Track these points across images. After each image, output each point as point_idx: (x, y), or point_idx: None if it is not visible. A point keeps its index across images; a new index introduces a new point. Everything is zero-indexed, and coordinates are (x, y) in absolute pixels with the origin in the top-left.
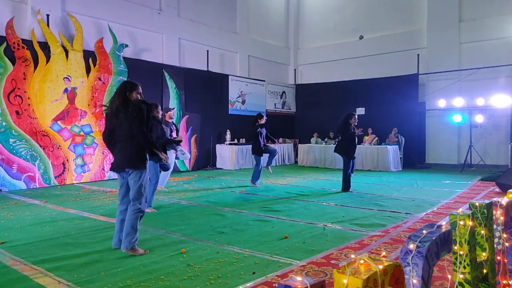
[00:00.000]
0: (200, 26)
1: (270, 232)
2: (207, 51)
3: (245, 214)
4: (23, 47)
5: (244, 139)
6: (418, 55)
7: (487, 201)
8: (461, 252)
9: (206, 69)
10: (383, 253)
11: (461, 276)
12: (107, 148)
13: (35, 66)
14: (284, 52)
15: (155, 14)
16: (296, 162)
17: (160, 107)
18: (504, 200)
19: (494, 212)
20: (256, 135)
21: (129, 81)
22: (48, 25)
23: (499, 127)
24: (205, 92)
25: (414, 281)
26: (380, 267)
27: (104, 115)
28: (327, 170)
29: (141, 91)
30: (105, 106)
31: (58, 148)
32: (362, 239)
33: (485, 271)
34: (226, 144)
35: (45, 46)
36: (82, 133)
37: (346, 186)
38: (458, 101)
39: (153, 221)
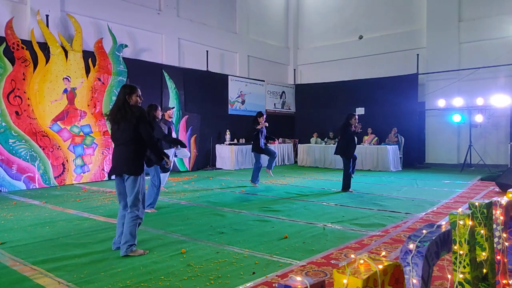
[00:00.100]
0: (200, 26)
1: (270, 232)
2: (207, 51)
3: (245, 214)
4: (22, 48)
5: (243, 139)
6: (417, 55)
7: (487, 201)
8: (461, 252)
9: (205, 69)
10: (383, 253)
11: (461, 275)
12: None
13: (35, 67)
14: (284, 52)
15: (155, 14)
16: (296, 162)
17: (160, 108)
18: (504, 200)
19: (494, 211)
20: (256, 134)
21: (128, 85)
22: (47, 25)
23: (498, 126)
24: (204, 92)
25: (414, 281)
26: (380, 267)
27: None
28: (327, 170)
29: (140, 93)
30: (106, 115)
31: (58, 149)
32: (362, 239)
33: (485, 270)
34: (226, 144)
35: (44, 47)
36: (81, 133)
37: (346, 186)
38: (458, 101)
39: (153, 221)
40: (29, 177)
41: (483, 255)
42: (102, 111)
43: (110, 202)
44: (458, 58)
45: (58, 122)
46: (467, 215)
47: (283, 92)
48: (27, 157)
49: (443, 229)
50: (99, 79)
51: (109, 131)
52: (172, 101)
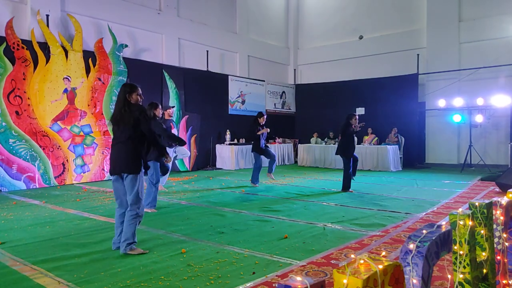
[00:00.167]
0: (200, 26)
1: (270, 232)
2: (207, 51)
3: (245, 214)
4: (22, 48)
5: (244, 139)
6: (418, 55)
7: (487, 201)
8: (461, 252)
9: (206, 69)
10: (383, 253)
11: (461, 276)
12: None
13: (35, 67)
14: (284, 52)
15: (155, 14)
16: (296, 162)
17: (160, 106)
18: (504, 200)
19: (494, 212)
20: (253, 130)
21: (128, 84)
22: (47, 25)
23: (499, 127)
24: (205, 92)
25: (414, 281)
26: (380, 267)
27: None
28: (327, 170)
29: (140, 92)
30: (110, 119)
31: (58, 149)
32: (362, 239)
33: (485, 271)
34: (226, 144)
35: (44, 47)
36: (82, 133)
37: (346, 186)
38: (458, 101)
39: (153, 221)
40: (29, 177)
41: (483, 255)
42: (102, 111)
43: (110, 202)
44: (458, 58)
45: (58, 122)
46: (467, 215)
47: (283, 92)
48: (27, 157)
49: (443, 229)
50: (99, 79)
51: (110, 133)
52: (172, 101)
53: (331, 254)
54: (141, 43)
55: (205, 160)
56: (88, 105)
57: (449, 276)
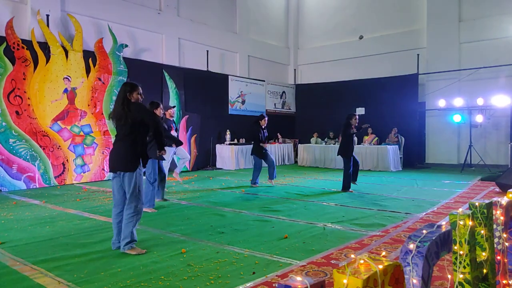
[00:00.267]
0: (200, 26)
1: (270, 232)
2: (207, 51)
3: (245, 214)
4: (23, 47)
5: (244, 139)
6: (418, 55)
7: (487, 201)
8: (461, 252)
9: (206, 69)
10: (383, 253)
11: (461, 276)
12: None
13: (35, 66)
14: (284, 52)
15: (155, 14)
16: (296, 162)
17: (161, 106)
18: (504, 200)
19: (494, 212)
20: (257, 136)
21: (129, 82)
22: (48, 25)
23: (499, 127)
24: (205, 92)
25: (414, 281)
26: (380, 267)
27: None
28: (327, 170)
29: (141, 91)
30: (109, 115)
31: (58, 148)
32: (362, 239)
33: (485, 271)
34: (226, 144)
35: (45, 46)
36: (82, 133)
37: (346, 186)
38: (458, 101)
39: (153, 221)
40: (29, 177)
41: (483, 255)
42: (102, 111)
43: (110, 202)
44: (458, 58)
45: (59, 122)
46: (467, 215)
47: (283, 92)
48: (27, 157)
49: (443, 229)
50: (100, 79)
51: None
52: (173, 101)
53: (331, 254)
54: (141, 43)
55: (205, 160)
56: (88, 105)
57: (449, 276)
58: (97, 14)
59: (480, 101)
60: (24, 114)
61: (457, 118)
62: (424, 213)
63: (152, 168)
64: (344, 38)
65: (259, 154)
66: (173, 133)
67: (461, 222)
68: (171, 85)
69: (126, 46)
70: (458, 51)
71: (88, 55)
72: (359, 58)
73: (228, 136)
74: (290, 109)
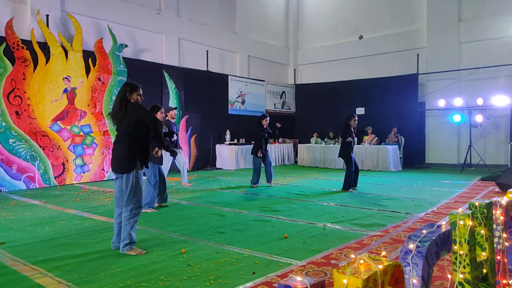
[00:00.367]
0: (200, 26)
1: (270, 232)
2: (207, 51)
3: (245, 214)
4: (22, 48)
5: (244, 139)
6: (417, 55)
7: (487, 201)
8: (461, 252)
9: (206, 69)
10: (383, 253)
11: (461, 276)
12: None
13: (35, 66)
14: (284, 52)
15: (155, 14)
16: (296, 162)
17: (162, 110)
18: (504, 200)
19: (494, 212)
20: (258, 136)
21: (129, 83)
22: (47, 25)
23: (498, 126)
24: (205, 92)
25: (414, 281)
26: (380, 267)
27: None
28: (327, 170)
29: (141, 92)
30: (108, 114)
31: (58, 148)
32: (362, 239)
33: (485, 270)
34: (226, 144)
35: (44, 47)
36: (81, 133)
37: (346, 186)
38: (458, 101)
39: (153, 221)
40: (29, 177)
41: (483, 255)
42: (102, 111)
43: (110, 202)
44: (458, 58)
45: (58, 122)
46: (467, 215)
47: (283, 92)
48: (27, 157)
49: (443, 229)
50: (99, 79)
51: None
52: (172, 101)
53: (331, 254)
54: (141, 43)
55: (205, 160)
56: (88, 105)
57: (449, 276)
58: (97, 14)
59: (480, 101)
60: (24, 114)
61: (457, 118)
62: (424, 213)
63: (152, 171)
64: (344, 38)
65: (258, 153)
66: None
67: (461, 222)
68: (171, 85)
69: (126, 46)
70: (458, 51)
71: (88, 55)
72: (359, 58)
73: (228, 136)
74: (290, 109)
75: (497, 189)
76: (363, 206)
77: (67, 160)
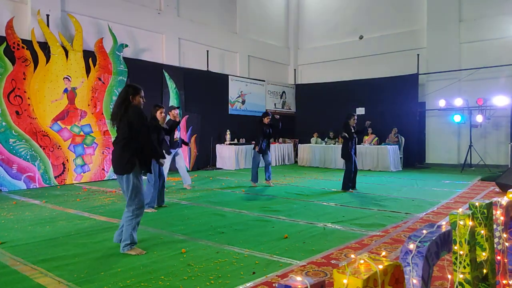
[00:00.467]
0: (200, 26)
1: (270, 232)
2: (207, 51)
3: (245, 214)
4: (23, 47)
5: (244, 139)
6: (418, 55)
7: (487, 201)
8: (461, 252)
9: (206, 69)
10: (383, 253)
11: (461, 276)
12: None
13: (35, 66)
14: (284, 52)
15: (155, 14)
16: (296, 162)
17: (162, 109)
18: (504, 200)
19: (494, 212)
20: (258, 131)
21: (132, 85)
22: (48, 25)
23: (499, 127)
24: (205, 92)
25: (414, 281)
26: (380, 267)
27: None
28: (327, 170)
29: (143, 95)
30: (110, 116)
31: (58, 148)
32: (362, 239)
33: (485, 271)
34: (226, 144)
35: (45, 46)
36: (82, 133)
37: (345, 185)
38: (458, 101)
39: (153, 221)
40: (30, 177)
41: (483, 255)
42: (102, 111)
43: (110, 202)
44: (458, 58)
45: (59, 122)
46: (468, 215)
47: (283, 92)
48: (28, 157)
49: (443, 229)
50: (100, 79)
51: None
52: (173, 101)
53: (331, 254)
54: (141, 43)
55: (205, 160)
56: (88, 105)
57: (449, 276)
58: (97, 14)
59: (480, 101)
60: (24, 114)
61: (457, 118)
62: (424, 213)
63: (152, 171)
64: (344, 38)
65: (260, 150)
66: (176, 134)
67: (461, 222)
68: (171, 85)
69: (126, 46)
70: (458, 51)
71: (88, 55)
72: (359, 58)
73: (228, 136)
74: (290, 109)
75: (497, 189)
76: (363, 206)
77: (67, 160)
